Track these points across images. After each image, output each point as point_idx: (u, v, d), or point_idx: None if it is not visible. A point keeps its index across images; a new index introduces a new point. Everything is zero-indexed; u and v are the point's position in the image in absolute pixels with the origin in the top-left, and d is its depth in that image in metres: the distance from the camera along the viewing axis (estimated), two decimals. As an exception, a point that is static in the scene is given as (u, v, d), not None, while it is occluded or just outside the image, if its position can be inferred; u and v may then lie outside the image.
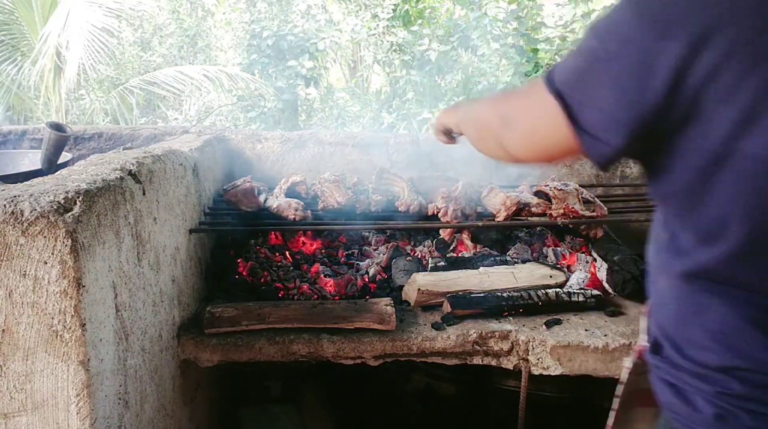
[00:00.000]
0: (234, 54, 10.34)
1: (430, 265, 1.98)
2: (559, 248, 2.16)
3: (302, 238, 2.21)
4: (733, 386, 0.76)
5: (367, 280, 1.98)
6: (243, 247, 2.12)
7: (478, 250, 2.13)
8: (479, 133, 1.06)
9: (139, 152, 1.55)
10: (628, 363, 1.01)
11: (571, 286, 1.90)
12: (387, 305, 1.71)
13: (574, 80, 0.79)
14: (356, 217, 2.07)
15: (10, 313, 0.99)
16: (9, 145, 2.81)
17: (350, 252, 2.19)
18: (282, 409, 2.34)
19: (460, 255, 2.08)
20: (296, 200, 2.05)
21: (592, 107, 0.76)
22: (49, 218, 0.98)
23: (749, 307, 0.75)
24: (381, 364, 1.68)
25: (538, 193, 2.17)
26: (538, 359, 1.67)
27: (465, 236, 2.18)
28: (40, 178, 1.23)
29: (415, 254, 2.13)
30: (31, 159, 2.18)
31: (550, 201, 2.08)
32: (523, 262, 2.03)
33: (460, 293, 1.81)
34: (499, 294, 1.81)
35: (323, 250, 2.18)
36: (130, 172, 1.33)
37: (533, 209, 2.07)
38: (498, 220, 2.03)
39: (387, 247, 2.14)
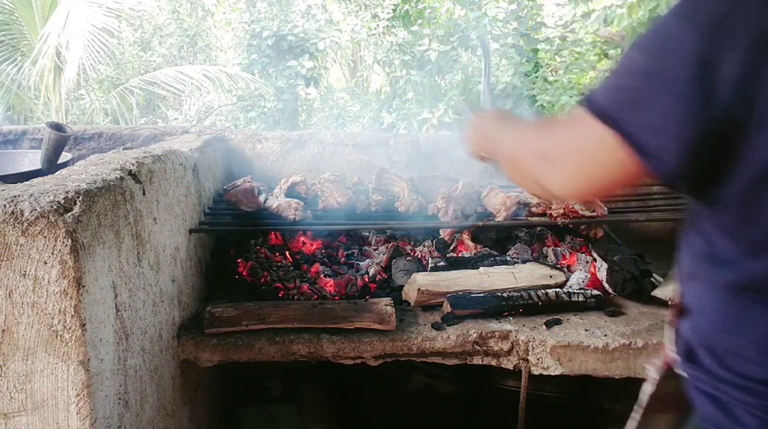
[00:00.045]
0: (234, 54, 10.34)
1: (430, 265, 1.98)
2: (559, 248, 2.16)
3: (302, 238, 2.21)
4: None
5: (367, 280, 1.98)
6: (243, 247, 2.12)
7: (478, 250, 2.13)
8: (514, 170, 1.00)
9: (139, 152, 1.55)
10: (653, 373, 0.98)
11: (571, 286, 1.90)
12: (387, 305, 1.71)
13: (625, 101, 0.75)
14: (356, 217, 2.07)
15: (10, 313, 0.99)
16: (9, 145, 2.81)
17: (350, 252, 2.19)
18: (282, 409, 2.34)
19: (460, 255, 2.08)
20: (296, 200, 2.05)
21: (649, 127, 0.73)
22: (49, 218, 0.98)
23: None
24: (381, 364, 1.68)
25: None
26: (538, 359, 1.67)
27: (465, 236, 2.18)
28: (40, 178, 1.23)
29: (415, 254, 2.13)
30: (31, 159, 2.18)
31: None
32: (523, 262, 2.03)
33: (460, 293, 1.80)
34: (499, 294, 1.81)
35: (323, 250, 2.18)
36: (130, 172, 1.33)
37: (533, 209, 2.07)
38: (498, 220, 2.03)
39: (387, 247, 2.14)
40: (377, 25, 9.02)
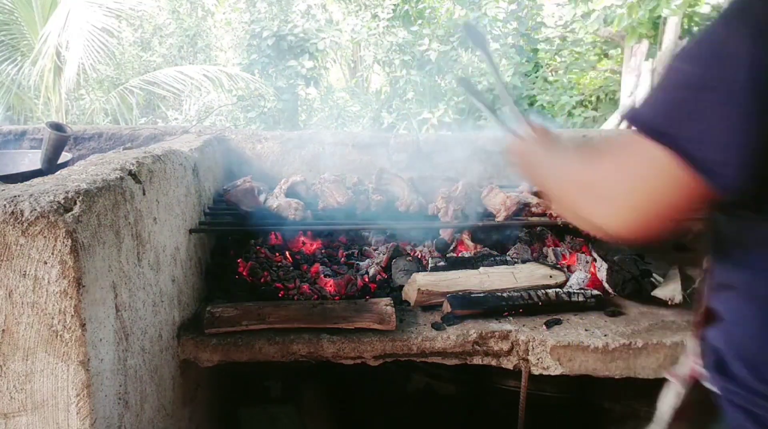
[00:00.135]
0: (234, 54, 10.35)
1: (430, 265, 1.98)
2: (559, 248, 2.16)
3: (302, 238, 2.21)
4: None
5: (367, 280, 1.98)
6: (243, 247, 2.12)
7: (478, 250, 2.13)
8: (562, 207, 0.94)
9: (139, 152, 1.55)
10: (678, 388, 0.96)
11: (571, 286, 1.90)
12: (387, 305, 1.71)
13: (678, 115, 0.70)
14: (356, 217, 2.07)
15: (10, 313, 0.99)
16: (9, 145, 2.81)
17: (350, 252, 2.19)
18: (282, 409, 2.34)
19: (460, 255, 2.08)
20: (296, 200, 2.05)
21: (708, 140, 0.68)
22: (49, 218, 0.98)
23: None
24: (381, 364, 1.68)
25: (538, 193, 2.17)
26: (538, 359, 1.67)
27: (465, 236, 2.18)
28: (40, 178, 1.23)
29: (415, 254, 2.13)
30: (31, 159, 2.18)
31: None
32: (523, 262, 2.03)
33: (460, 293, 1.80)
34: (499, 294, 1.81)
35: (323, 250, 2.18)
36: (130, 172, 1.33)
37: (533, 209, 2.07)
38: (498, 220, 2.02)
39: (387, 247, 2.14)
40: (377, 25, 9.03)
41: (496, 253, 2.11)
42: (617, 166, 0.79)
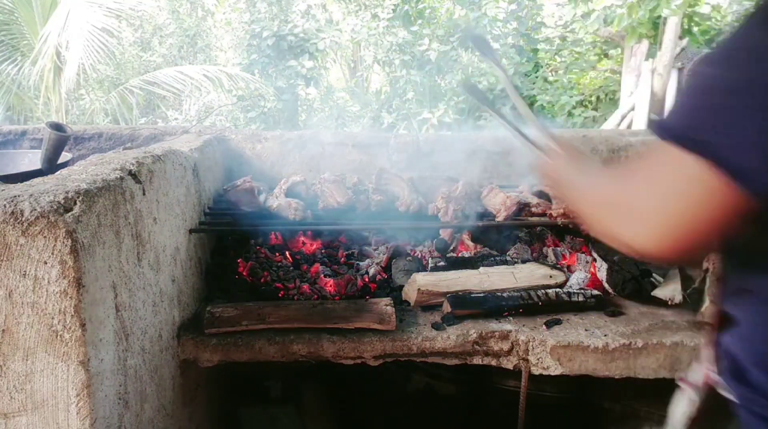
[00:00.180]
0: (234, 54, 10.35)
1: (430, 265, 1.98)
2: (559, 248, 2.16)
3: (302, 238, 2.21)
4: None
5: (367, 280, 1.98)
6: (243, 247, 2.12)
7: (478, 250, 2.13)
8: (594, 227, 0.90)
9: (139, 152, 1.55)
10: (692, 395, 0.94)
11: (571, 286, 1.90)
12: (387, 305, 1.71)
13: (710, 122, 0.67)
14: (356, 217, 2.07)
15: (10, 313, 0.99)
16: (9, 145, 2.81)
17: (350, 252, 2.19)
18: (282, 409, 2.34)
19: (460, 255, 2.08)
20: (296, 200, 2.04)
21: (744, 145, 0.65)
22: (49, 218, 0.98)
23: None
24: (381, 364, 1.68)
25: (538, 193, 2.17)
26: (538, 359, 1.67)
27: (465, 236, 2.18)
28: (40, 178, 1.23)
29: (415, 254, 2.13)
30: (31, 159, 2.18)
31: (550, 201, 2.08)
32: (523, 262, 2.03)
33: (460, 293, 1.81)
34: (499, 294, 1.81)
35: (323, 250, 2.18)
36: (130, 172, 1.33)
37: (533, 209, 2.06)
38: (498, 220, 2.02)
39: (387, 247, 2.14)
40: (377, 25, 9.03)
41: (496, 253, 2.11)
42: (646, 179, 0.75)
